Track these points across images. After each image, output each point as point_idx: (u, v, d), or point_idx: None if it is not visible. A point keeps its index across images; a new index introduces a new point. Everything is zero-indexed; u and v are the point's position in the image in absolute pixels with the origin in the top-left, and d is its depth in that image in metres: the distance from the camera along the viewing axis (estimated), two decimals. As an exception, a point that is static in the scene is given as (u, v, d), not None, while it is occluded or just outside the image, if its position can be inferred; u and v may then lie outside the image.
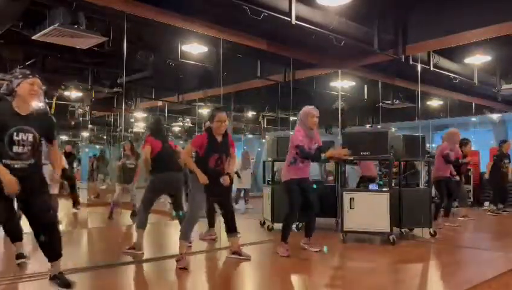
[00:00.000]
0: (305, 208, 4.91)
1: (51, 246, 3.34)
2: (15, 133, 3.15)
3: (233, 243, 4.69)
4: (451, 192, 7.01)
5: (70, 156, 9.33)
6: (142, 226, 4.97)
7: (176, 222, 6.51)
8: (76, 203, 8.78)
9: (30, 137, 3.22)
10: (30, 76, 3.25)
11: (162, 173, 5.02)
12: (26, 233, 4.09)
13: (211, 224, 5.92)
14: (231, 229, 4.64)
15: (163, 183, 5.08)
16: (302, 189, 4.84)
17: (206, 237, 5.84)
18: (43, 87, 3.34)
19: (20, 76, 3.23)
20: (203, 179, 4.27)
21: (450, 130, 7.44)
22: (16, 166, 3.16)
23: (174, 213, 6.00)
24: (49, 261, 3.37)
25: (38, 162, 3.35)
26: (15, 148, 3.15)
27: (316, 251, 4.94)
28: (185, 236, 4.33)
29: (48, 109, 3.66)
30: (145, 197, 5.14)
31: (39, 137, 3.29)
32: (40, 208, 3.30)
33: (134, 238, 4.98)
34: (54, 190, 6.66)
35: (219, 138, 4.42)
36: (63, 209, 8.43)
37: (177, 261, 4.25)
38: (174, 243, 5.81)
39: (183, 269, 4.15)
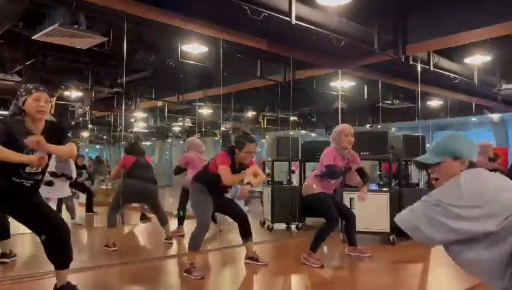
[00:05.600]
0: (343, 216, 4.89)
1: (60, 251, 3.08)
2: (30, 153, 2.91)
3: (248, 248, 4.54)
4: None
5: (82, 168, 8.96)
6: (111, 226, 5.31)
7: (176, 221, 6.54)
8: (90, 207, 8.27)
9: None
10: (34, 91, 2.96)
11: (132, 179, 5.31)
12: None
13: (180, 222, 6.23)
14: (246, 234, 4.47)
15: (132, 190, 5.33)
16: (332, 199, 4.75)
17: (175, 234, 6.04)
18: (51, 100, 3.12)
19: (24, 92, 2.96)
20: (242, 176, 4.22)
21: (483, 143, 7.00)
22: (25, 184, 3.00)
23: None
24: (55, 268, 3.10)
25: (43, 176, 3.19)
26: (28, 169, 2.95)
27: (369, 256, 4.89)
28: (194, 246, 4.13)
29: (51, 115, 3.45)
30: (114, 199, 5.46)
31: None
32: (46, 213, 3.14)
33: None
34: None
35: (238, 164, 4.26)
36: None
37: (186, 271, 4.08)
38: (174, 243, 5.84)
39: (200, 279, 3.96)
